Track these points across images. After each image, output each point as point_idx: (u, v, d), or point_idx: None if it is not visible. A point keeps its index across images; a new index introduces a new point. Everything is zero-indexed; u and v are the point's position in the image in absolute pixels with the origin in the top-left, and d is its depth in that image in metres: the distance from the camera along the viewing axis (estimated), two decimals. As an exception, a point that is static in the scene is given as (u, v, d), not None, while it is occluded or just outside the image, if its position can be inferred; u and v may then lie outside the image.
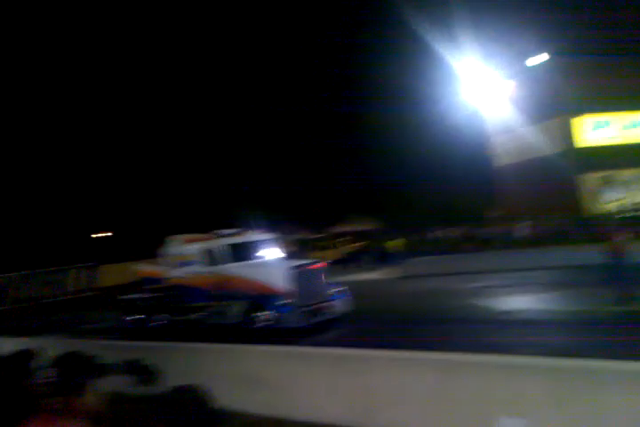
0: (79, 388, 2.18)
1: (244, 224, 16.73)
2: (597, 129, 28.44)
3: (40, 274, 21.39)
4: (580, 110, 27.67)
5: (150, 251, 18.55)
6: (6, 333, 14.42)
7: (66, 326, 18.18)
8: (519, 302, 13.24)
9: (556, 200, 26.70)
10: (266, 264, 13.89)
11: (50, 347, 9.44)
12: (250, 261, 13.94)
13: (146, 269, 16.25)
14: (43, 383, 2.20)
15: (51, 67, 49.29)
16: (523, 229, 25.97)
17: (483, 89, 29.80)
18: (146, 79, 49.97)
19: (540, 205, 27.11)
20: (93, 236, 46.67)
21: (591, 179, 27.89)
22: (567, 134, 28.33)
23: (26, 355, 3.22)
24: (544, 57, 28.20)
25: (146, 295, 15.49)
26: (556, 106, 27.85)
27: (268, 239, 14.82)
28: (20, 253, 33.97)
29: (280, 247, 15.19)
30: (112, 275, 22.26)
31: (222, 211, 36.27)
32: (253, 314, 12.47)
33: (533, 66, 28.59)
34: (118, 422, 3.17)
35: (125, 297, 16.05)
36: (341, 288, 13.38)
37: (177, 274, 14.40)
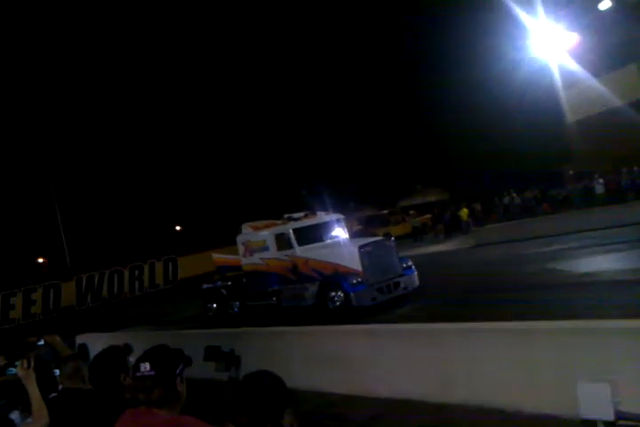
0: (169, 380, 2.30)
1: (311, 206, 16.93)
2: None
3: (128, 269, 22.56)
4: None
5: (224, 240, 19.14)
6: (99, 329, 15.34)
7: (153, 319, 19.12)
8: (600, 263, 12.73)
9: (635, 153, 25.17)
10: (336, 245, 14.03)
11: (140, 340, 10.04)
12: (320, 243, 14.12)
13: (221, 257, 16.78)
14: (135, 377, 2.31)
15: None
16: (599, 185, 24.78)
17: (551, 42, 28.12)
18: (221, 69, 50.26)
19: (617, 159, 25.65)
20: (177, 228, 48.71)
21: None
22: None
23: (118, 350, 3.34)
24: (612, 1, 26.31)
25: (223, 283, 16.04)
26: (630, 51, 26.03)
27: (336, 219, 14.94)
28: (103, 250, 36.00)
29: (346, 227, 15.27)
30: (189, 266, 23.19)
31: (290, 195, 36.77)
32: (328, 294, 12.67)
33: (604, 10, 26.68)
34: (204, 409, 3.36)
35: (205, 286, 16.68)
36: (409, 263, 13.36)
37: (251, 260, 14.81)
